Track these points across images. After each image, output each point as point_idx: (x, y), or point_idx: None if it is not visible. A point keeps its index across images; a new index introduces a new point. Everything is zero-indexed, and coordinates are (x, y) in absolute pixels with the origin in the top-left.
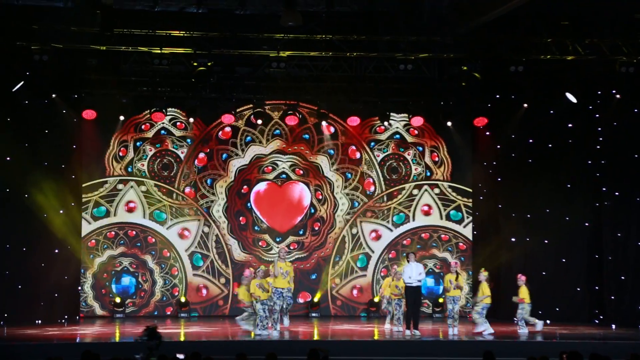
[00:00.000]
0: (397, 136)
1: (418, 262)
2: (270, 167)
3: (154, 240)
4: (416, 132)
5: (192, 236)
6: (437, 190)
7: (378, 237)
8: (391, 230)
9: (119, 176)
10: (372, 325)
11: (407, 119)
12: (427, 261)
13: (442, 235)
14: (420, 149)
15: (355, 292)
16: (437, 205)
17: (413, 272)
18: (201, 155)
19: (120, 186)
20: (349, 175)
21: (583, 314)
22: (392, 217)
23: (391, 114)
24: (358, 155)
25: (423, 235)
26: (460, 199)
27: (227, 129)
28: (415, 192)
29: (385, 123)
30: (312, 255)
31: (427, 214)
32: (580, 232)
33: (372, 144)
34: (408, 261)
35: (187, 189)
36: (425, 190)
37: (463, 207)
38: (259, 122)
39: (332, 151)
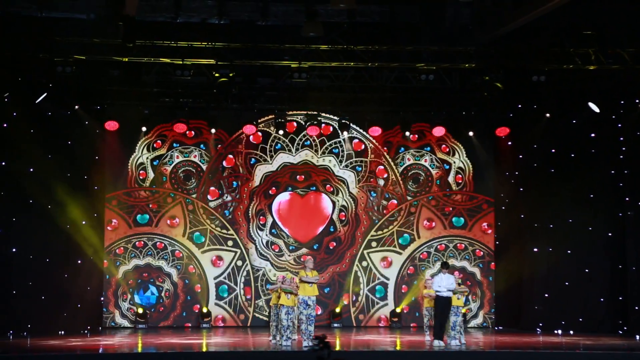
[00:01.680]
0: (446, 166)
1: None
2: (330, 187)
3: (181, 254)
4: (461, 177)
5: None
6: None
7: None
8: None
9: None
10: (395, 335)
11: (465, 162)
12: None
13: (460, 244)
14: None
15: (382, 322)
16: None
17: (443, 282)
18: (230, 155)
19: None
20: (373, 194)
21: (607, 324)
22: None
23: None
24: (385, 175)
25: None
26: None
27: (259, 133)
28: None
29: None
30: (327, 269)
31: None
32: (603, 242)
33: (427, 147)
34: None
35: (212, 188)
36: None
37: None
38: (280, 132)
39: (359, 168)
